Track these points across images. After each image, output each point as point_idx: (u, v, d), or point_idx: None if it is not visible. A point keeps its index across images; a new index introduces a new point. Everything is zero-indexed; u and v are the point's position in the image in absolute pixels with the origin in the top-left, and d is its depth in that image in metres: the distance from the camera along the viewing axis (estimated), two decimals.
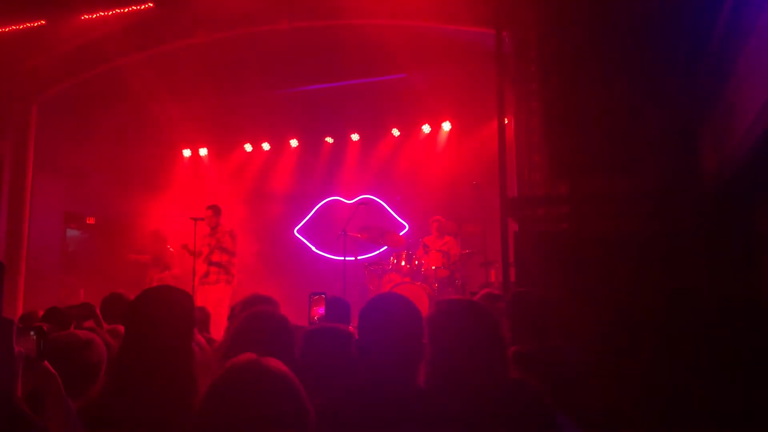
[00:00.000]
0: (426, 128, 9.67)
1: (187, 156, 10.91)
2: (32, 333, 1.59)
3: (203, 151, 10.84)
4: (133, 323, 1.98)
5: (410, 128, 9.75)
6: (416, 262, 7.58)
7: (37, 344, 1.60)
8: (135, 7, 7.21)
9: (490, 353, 1.97)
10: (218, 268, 7.60)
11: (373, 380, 1.77)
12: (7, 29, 7.59)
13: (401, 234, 8.67)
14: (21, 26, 7.60)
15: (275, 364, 1.40)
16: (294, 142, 10.43)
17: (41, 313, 4.52)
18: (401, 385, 1.75)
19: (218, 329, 5.68)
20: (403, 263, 7.57)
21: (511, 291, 3.13)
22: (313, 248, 10.12)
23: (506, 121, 5.86)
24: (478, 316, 2.04)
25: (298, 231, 10.29)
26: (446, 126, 9.55)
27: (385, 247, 8.83)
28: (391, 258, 7.71)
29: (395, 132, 9.79)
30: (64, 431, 1.58)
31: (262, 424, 1.29)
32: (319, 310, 3.77)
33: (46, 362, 1.65)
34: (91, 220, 9.92)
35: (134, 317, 1.99)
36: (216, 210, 7.79)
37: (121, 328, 3.90)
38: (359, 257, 8.22)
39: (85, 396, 2.09)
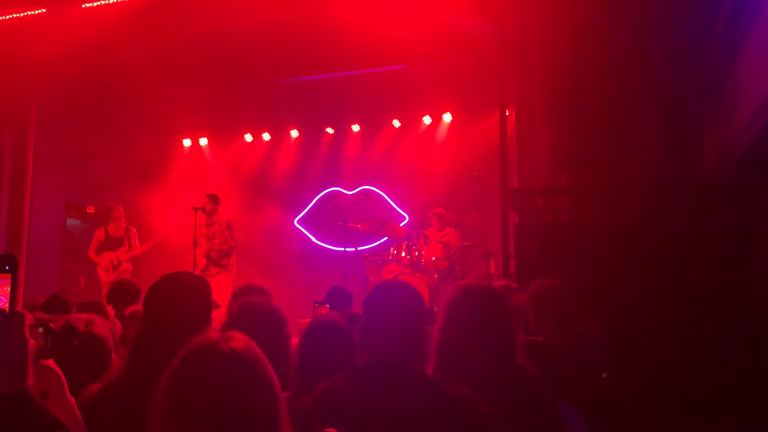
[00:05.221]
0: (427, 119, 9.65)
1: (187, 146, 10.90)
2: (40, 330, 1.59)
3: (203, 141, 10.83)
4: (151, 307, 2.00)
5: (411, 119, 9.74)
6: (416, 253, 7.60)
7: (44, 341, 1.59)
8: None
9: (501, 340, 2.01)
10: (217, 261, 7.60)
11: (376, 364, 1.79)
12: (7, 17, 7.57)
13: (401, 225, 8.68)
14: (22, 14, 7.59)
15: (237, 343, 1.34)
16: (294, 133, 10.41)
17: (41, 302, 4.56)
18: (403, 370, 1.77)
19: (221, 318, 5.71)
20: (403, 254, 7.59)
21: (532, 283, 3.16)
22: (314, 239, 10.14)
23: (507, 113, 5.87)
24: (496, 303, 2.08)
25: (298, 221, 10.30)
26: (447, 117, 9.53)
27: (386, 238, 8.85)
28: (392, 249, 7.73)
29: (396, 123, 9.77)
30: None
31: (218, 409, 1.25)
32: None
33: (51, 360, 1.66)
34: (91, 210, 9.93)
35: (153, 301, 2.01)
36: (213, 199, 7.74)
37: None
38: (359, 248, 8.24)
39: (103, 378, 2.12)
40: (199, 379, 1.29)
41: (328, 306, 3.53)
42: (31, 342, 1.33)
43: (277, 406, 1.34)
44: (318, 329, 2.37)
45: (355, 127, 10.10)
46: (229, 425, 1.26)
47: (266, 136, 10.56)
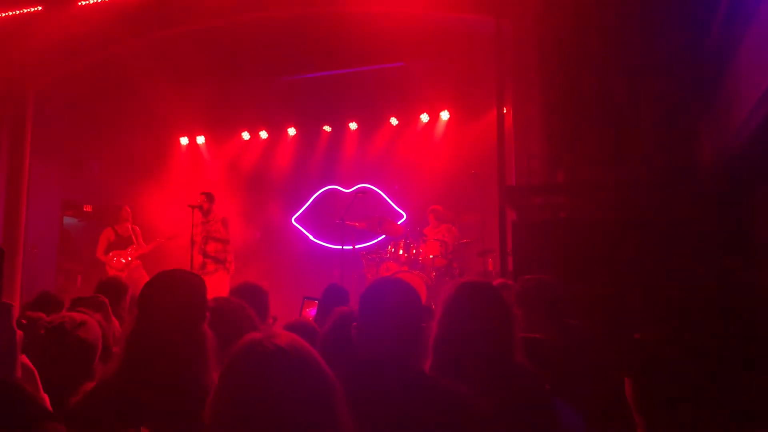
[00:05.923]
0: (424, 117, 9.65)
1: (185, 144, 10.88)
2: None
3: (201, 139, 10.81)
4: (146, 305, 1.99)
5: (409, 117, 9.73)
6: (414, 251, 7.59)
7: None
8: None
9: (500, 337, 2.00)
10: (215, 258, 7.62)
11: (373, 362, 1.79)
12: (3, 14, 7.54)
13: (399, 223, 8.68)
14: (18, 12, 7.56)
15: (282, 340, 1.34)
16: (292, 131, 10.40)
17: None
18: (401, 367, 1.77)
19: None
20: (401, 252, 7.58)
21: (520, 278, 3.18)
22: (311, 237, 10.13)
23: (505, 111, 5.87)
24: (494, 300, 2.08)
25: (295, 219, 10.29)
26: (445, 115, 9.53)
27: (383, 236, 8.85)
28: (389, 247, 7.72)
29: (393, 121, 9.76)
30: None
31: (271, 407, 1.25)
32: (311, 312, 3.82)
33: (24, 356, 1.65)
34: (88, 208, 9.90)
35: (148, 299, 2.00)
36: (209, 197, 7.80)
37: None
38: (357, 246, 8.23)
39: (95, 376, 2.10)
40: (249, 380, 1.29)
41: (317, 302, 3.53)
42: (19, 333, 1.33)
43: (332, 396, 1.33)
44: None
45: (353, 125, 10.08)
46: (284, 422, 1.26)
47: (264, 134, 10.54)
